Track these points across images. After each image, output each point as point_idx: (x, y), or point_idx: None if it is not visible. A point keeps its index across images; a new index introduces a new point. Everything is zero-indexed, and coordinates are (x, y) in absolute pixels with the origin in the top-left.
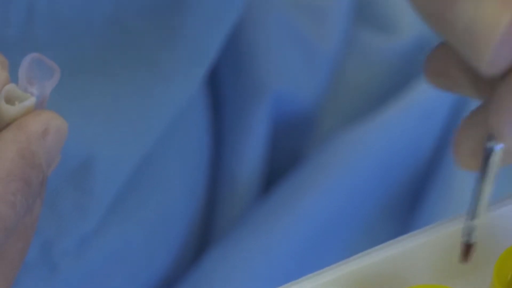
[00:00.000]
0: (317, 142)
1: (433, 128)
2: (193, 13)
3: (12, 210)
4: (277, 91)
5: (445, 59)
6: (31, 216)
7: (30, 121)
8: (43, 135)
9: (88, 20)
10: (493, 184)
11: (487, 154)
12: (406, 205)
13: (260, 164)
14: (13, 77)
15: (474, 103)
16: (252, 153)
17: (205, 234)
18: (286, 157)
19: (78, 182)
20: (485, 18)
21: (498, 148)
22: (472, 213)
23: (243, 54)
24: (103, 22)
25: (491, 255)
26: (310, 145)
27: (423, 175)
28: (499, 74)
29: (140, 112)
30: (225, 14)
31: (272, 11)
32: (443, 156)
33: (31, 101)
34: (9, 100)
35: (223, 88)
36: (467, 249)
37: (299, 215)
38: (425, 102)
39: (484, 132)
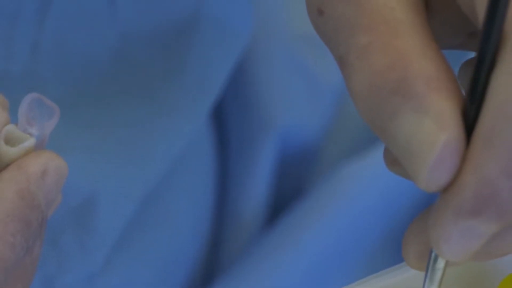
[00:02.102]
0: (321, 173)
1: None
2: (198, 48)
3: (11, 251)
4: (283, 125)
5: None
6: (31, 257)
7: (29, 162)
8: (42, 176)
9: (92, 54)
10: (440, 286)
11: (432, 261)
12: None
13: (265, 198)
14: (17, 112)
15: None
16: (258, 188)
17: (211, 270)
18: (290, 189)
19: (81, 219)
20: (422, 136)
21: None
22: None
23: (248, 88)
24: (108, 56)
25: (492, 281)
26: (314, 176)
27: (425, 205)
28: (435, 191)
29: (144, 148)
30: (231, 46)
31: (277, 44)
32: None
33: (30, 142)
34: (9, 141)
35: (229, 123)
36: None
37: (302, 247)
38: None
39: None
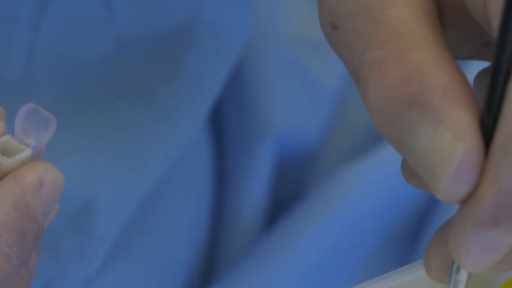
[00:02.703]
0: (320, 177)
1: None
2: (194, 52)
3: (7, 262)
4: (281, 128)
5: None
6: (27, 268)
7: (25, 172)
8: (38, 187)
9: (88, 60)
10: None
11: (454, 273)
12: (408, 239)
13: (264, 202)
14: (13, 118)
15: None
16: (256, 192)
17: (209, 273)
18: (289, 192)
19: (78, 224)
20: (441, 148)
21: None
22: None
23: (247, 91)
24: (104, 61)
25: (492, 286)
26: (313, 180)
27: (424, 208)
28: (455, 202)
29: (142, 152)
30: (228, 50)
31: (275, 47)
32: None
33: (27, 152)
34: (5, 152)
35: (227, 126)
36: None
37: (301, 250)
38: None
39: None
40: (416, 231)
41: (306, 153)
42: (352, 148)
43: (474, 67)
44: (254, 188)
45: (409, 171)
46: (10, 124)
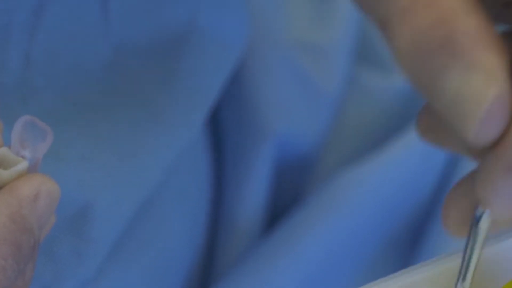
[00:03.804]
0: (319, 181)
1: (434, 166)
2: (192, 56)
3: (2, 275)
4: (280, 132)
5: (437, 116)
6: (23, 280)
7: (21, 185)
8: (34, 199)
9: (86, 64)
10: (482, 249)
11: (475, 222)
12: (408, 243)
13: (262, 206)
14: (11, 123)
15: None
16: (254, 196)
17: (206, 278)
18: (288, 197)
19: (76, 228)
20: (471, 91)
21: (486, 216)
22: (462, 277)
23: (245, 95)
24: (101, 66)
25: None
26: (312, 184)
27: (424, 213)
28: (486, 146)
29: (139, 157)
30: (225, 56)
31: (274, 51)
32: (444, 193)
33: (23, 165)
34: (1, 164)
35: (225, 129)
36: None
37: (299, 255)
38: None
39: (471, 200)
40: (415, 235)
41: (305, 157)
42: (351, 153)
43: None
44: (253, 192)
45: (426, 125)
46: (7, 130)
